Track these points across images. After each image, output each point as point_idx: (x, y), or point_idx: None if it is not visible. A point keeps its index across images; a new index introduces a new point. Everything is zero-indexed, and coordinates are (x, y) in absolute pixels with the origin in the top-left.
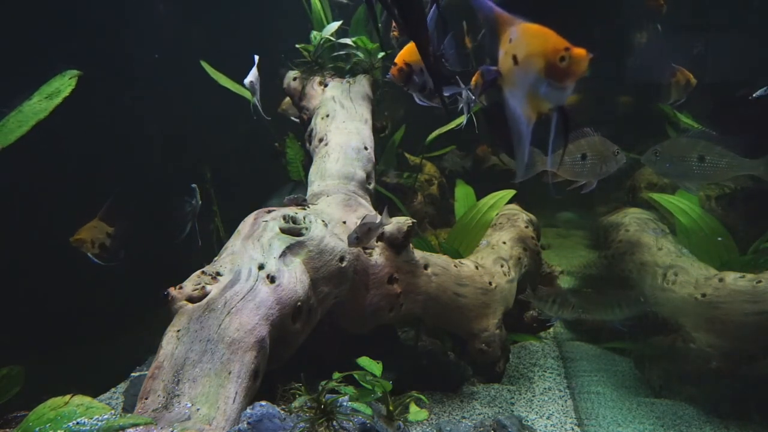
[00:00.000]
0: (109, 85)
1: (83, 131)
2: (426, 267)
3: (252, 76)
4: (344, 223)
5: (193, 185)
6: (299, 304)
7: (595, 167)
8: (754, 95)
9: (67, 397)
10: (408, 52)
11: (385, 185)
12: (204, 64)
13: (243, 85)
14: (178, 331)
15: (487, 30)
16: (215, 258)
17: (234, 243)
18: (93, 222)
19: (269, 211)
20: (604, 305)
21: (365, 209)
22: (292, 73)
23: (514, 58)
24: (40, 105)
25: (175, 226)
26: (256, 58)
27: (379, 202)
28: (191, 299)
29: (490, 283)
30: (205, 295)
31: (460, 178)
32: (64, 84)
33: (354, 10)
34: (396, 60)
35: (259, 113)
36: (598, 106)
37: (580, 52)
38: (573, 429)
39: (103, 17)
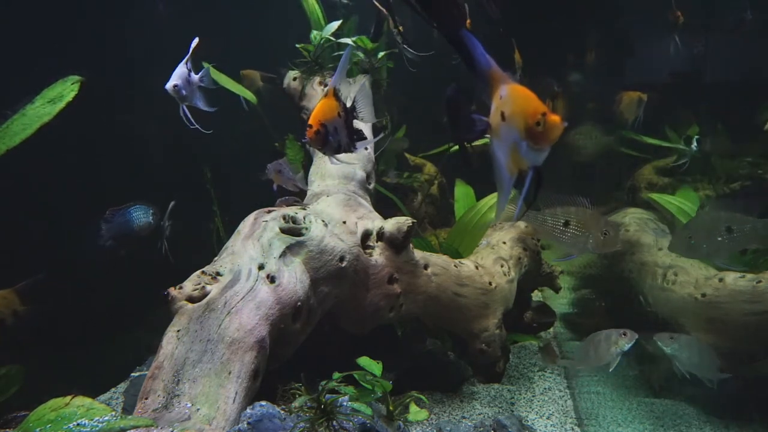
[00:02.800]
0: (109, 86)
1: (83, 132)
2: (426, 267)
3: (176, 78)
4: (344, 223)
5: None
6: (299, 304)
7: (576, 239)
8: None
9: (68, 398)
10: (321, 111)
11: (385, 185)
12: (207, 66)
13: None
14: (178, 331)
15: (483, 83)
16: (215, 258)
17: (234, 243)
18: (4, 291)
19: (269, 211)
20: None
21: (365, 209)
22: (292, 73)
23: (502, 114)
24: (43, 109)
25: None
26: (193, 43)
27: (379, 202)
28: (191, 299)
29: (490, 283)
30: (205, 295)
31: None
32: (66, 89)
33: (353, 10)
34: (310, 121)
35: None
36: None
37: (554, 119)
38: (573, 429)
39: (103, 18)
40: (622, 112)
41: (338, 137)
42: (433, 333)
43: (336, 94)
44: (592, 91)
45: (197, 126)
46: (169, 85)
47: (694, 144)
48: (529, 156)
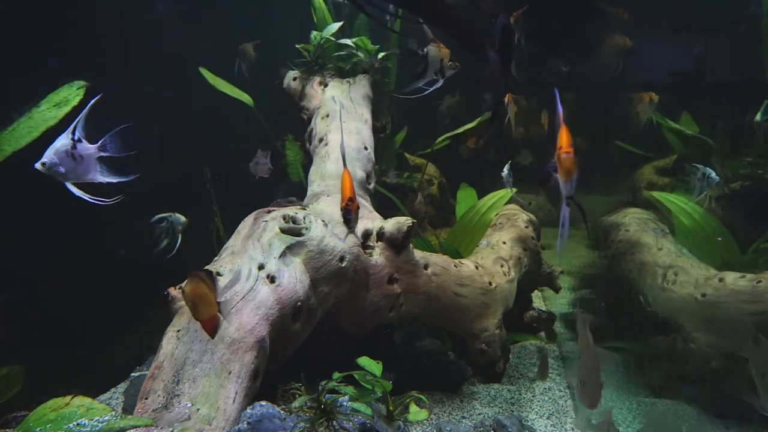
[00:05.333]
0: (110, 86)
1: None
2: (426, 267)
3: (49, 154)
4: None
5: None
6: (299, 304)
7: None
8: None
9: (68, 397)
10: (351, 186)
11: (385, 185)
12: (203, 71)
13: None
14: (178, 331)
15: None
16: (215, 258)
17: (234, 243)
18: None
19: (269, 211)
20: None
21: (365, 209)
22: (292, 73)
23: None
24: (49, 113)
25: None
26: (89, 104)
27: (379, 202)
28: None
29: (490, 283)
30: None
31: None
32: (72, 94)
33: (351, 9)
34: (350, 194)
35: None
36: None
37: (563, 153)
38: (573, 429)
39: (104, 19)
40: (638, 113)
41: (353, 215)
42: (432, 333)
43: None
44: (582, 93)
45: (98, 201)
46: (38, 164)
47: (713, 174)
48: (563, 188)
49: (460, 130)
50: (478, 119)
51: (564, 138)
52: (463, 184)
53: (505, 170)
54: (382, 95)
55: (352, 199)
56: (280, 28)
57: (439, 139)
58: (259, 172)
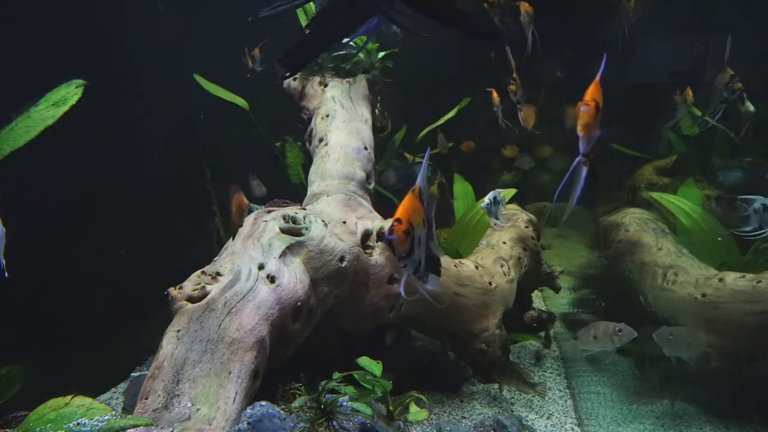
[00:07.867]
0: (110, 86)
1: (84, 133)
2: None
3: None
4: (344, 223)
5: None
6: (299, 304)
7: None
8: None
9: (68, 397)
10: (412, 210)
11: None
12: (197, 77)
13: None
14: (178, 331)
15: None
16: (215, 258)
17: (234, 243)
18: None
19: (269, 211)
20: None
21: (365, 209)
22: None
23: None
24: (47, 112)
25: None
26: None
27: (379, 202)
28: (191, 299)
29: (490, 283)
30: (205, 295)
31: (457, 172)
32: (70, 92)
33: None
34: (400, 215)
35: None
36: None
37: (581, 105)
38: (573, 429)
39: (104, 18)
40: (679, 107)
41: (419, 253)
42: (433, 333)
43: (421, 197)
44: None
45: None
46: None
47: (758, 203)
48: (581, 144)
49: (441, 121)
50: (457, 107)
51: (589, 92)
52: (457, 176)
53: (487, 200)
54: (382, 95)
55: (399, 220)
56: (277, 28)
57: (421, 134)
58: (257, 194)
